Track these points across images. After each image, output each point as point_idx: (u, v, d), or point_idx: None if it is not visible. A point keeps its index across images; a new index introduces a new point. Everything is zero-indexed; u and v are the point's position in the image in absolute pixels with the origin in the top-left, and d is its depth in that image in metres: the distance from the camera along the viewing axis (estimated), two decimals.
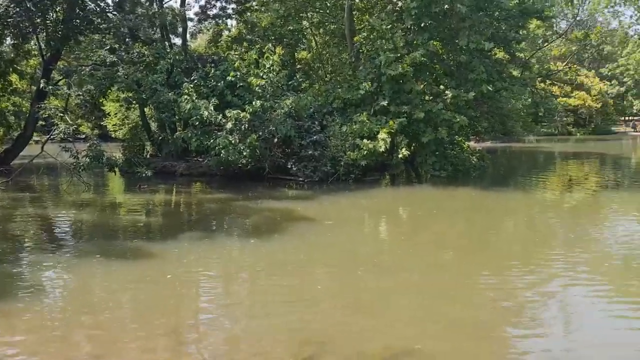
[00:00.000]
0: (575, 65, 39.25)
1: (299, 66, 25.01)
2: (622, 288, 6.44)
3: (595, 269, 7.20)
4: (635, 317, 5.49)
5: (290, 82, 18.42)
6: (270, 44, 20.30)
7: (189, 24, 24.30)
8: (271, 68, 17.16)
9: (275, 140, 16.73)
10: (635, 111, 75.82)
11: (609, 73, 62.34)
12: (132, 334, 5.26)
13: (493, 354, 4.82)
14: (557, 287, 6.37)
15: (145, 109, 21.66)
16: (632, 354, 4.66)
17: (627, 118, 75.88)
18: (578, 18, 48.54)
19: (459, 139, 18.68)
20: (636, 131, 62.73)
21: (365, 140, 15.64)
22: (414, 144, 18.02)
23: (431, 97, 17.42)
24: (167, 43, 22.41)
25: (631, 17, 64.93)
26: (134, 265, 7.55)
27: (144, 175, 15.62)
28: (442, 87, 17.48)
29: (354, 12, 21.16)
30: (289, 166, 16.88)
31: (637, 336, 5.03)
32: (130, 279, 6.96)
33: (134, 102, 20.99)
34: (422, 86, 17.19)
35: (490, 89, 16.81)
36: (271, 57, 17.42)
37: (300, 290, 6.62)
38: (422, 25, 17.39)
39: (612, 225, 10.49)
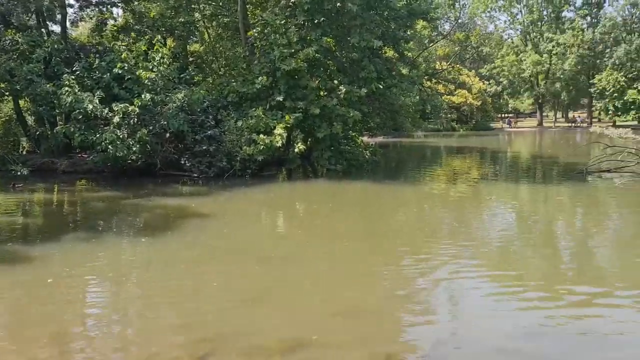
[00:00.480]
0: (457, 65, 42.05)
1: (191, 59, 24.24)
2: (501, 273, 6.99)
3: (478, 256, 7.75)
4: (514, 299, 5.97)
5: (182, 76, 17.82)
6: (160, 36, 19.49)
7: (69, 10, 22.58)
8: (161, 60, 16.48)
9: (167, 135, 16.13)
10: (510, 109, 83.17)
11: (487, 73, 67.66)
12: (7, 346, 4.78)
13: (388, 342, 5.00)
14: (446, 274, 6.76)
15: (20, 101, 19.81)
16: (510, 334, 5.07)
17: (503, 115, 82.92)
18: (460, 20, 52.06)
19: (353, 134, 19.25)
20: (511, 127, 68.57)
21: (261, 135, 15.57)
22: (309, 139, 18.27)
23: (326, 93, 17.76)
24: (44, 30, 20.65)
25: (505, 22, 70.89)
26: (9, 271, 6.88)
27: (19, 173, 14.29)
28: (336, 82, 17.90)
29: (247, 6, 20.93)
30: (183, 162, 16.36)
31: (517, 317, 5.47)
32: (3, 286, 6.33)
33: (6, 93, 19.13)
34: (317, 82, 17.46)
35: (380, 86, 17.52)
36: (161, 49, 16.73)
37: (194, 288, 6.43)
38: (315, 21, 17.67)
39: (492, 214, 11.38)
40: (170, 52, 17.69)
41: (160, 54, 16.48)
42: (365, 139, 25.48)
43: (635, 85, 58.73)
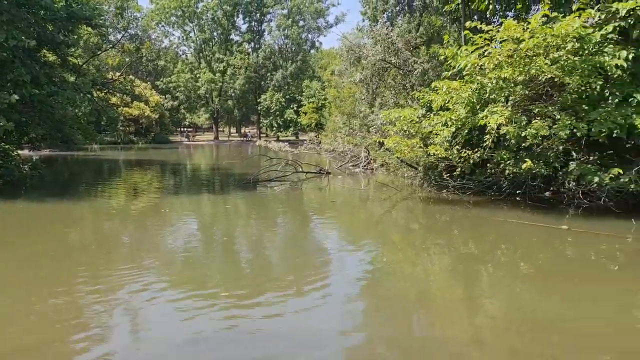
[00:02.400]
0: (131, 77, 40.93)
1: None
2: (184, 285, 6.82)
3: (162, 271, 7.41)
4: (191, 308, 5.85)
5: None
6: None
7: None
8: None
9: None
10: (188, 123, 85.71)
11: (164, 86, 68.19)
12: None
13: None
14: (125, 293, 6.23)
15: None
16: (182, 342, 4.92)
17: (181, 129, 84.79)
18: (132, 32, 50.86)
19: (6, 146, 16.43)
20: (189, 140, 70.69)
21: None
22: None
23: None
24: None
25: (179, 38, 72.79)
26: None
27: None
28: None
29: None
30: None
31: (191, 324, 5.35)
32: None
33: None
34: None
35: (37, 92, 15.41)
36: None
37: None
38: None
39: (173, 227, 11.20)
40: None
41: None
42: (25, 152, 22.13)
43: (291, 106, 68.31)
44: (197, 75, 69.93)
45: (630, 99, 10.90)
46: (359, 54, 21.98)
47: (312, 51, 77.48)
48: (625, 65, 10.66)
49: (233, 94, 70.39)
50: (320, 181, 19.57)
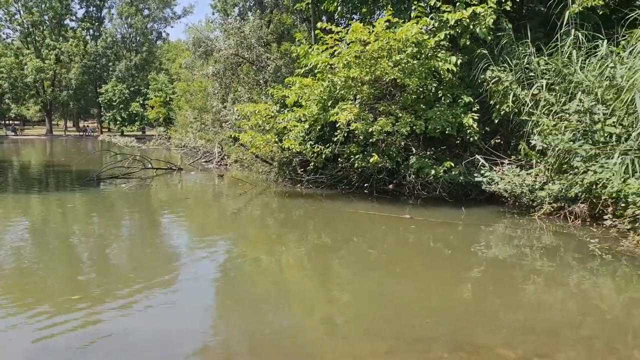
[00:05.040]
0: None
1: None
2: (18, 294, 6.04)
3: None
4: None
5: None
6: None
7: None
8: None
9: None
10: (14, 115, 76.11)
11: None
12: None
13: None
14: None
15: None
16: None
17: (6, 121, 75.16)
18: None
19: None
20: (17, 135, 63.10)
21: None
22: None
23: None
24: None
25: (1, 19, 64.22)
26: None
27: None
28: None
29: None
30: None
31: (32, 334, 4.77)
32: None
33: None
34: None
35: None
36: None
37: None
38: None
39: (1, 232, 9.87)
40: None
41: None
42: None
43: (137, 99, 64.48)
44: (24, 62, 62.36)
45: (459, 100, 12.24)
46: (210, 47, 21.50)
47: (159, 42, 73.96)
48: (454, 69, 11.94)
49: (68, 85, 64.26)
50: (172, 178, 18.81)
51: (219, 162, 22.63)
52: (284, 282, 7.06)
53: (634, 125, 8.24)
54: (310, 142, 13.41)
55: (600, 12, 11.26)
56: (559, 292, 6.65)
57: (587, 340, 4.93)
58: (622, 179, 8.18)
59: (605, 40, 10.53)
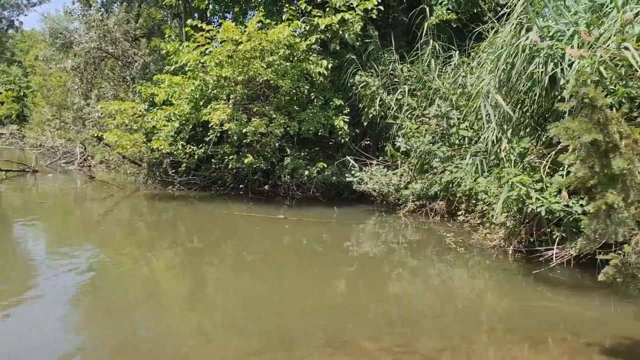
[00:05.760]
0: None
1: None
2: None
3: None
4: None
5: None
6: None
7: None
8: None
9: None
10: None
11: None
12: None
13: None
14: None
15: None
16: None
17: None
18: None
19: None
20: None
21: None
22: None
23: None
24: None
25: None
26: None
27: None
28: None
29: None
30: None
31: None
32: None
33: None
34: None
35: None
36: None
37: None
38: None
39: None
40: None
41: None
42: None
43: None
44: None
45: (330, 103, 12.63)
46: (69, 39, 19.83)
47: (10, 31, 66.57)
48: (325, 73, 12.29)
49: None
50: (25, 181, 17.05)
51: (81, 163, 20.95)
52: (155, 288, 6.72)
53: (482, 129, 9.11)
54: (182, 142, 12.97)
55: (454, 26, 12.30)
56: (420, 284, 7.15)
57: (443, 328, 5.34)
58: (473, 178, 9.00)
59: (458, 52, 11.56)
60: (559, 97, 6.86)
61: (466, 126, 10.36)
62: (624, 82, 5.94)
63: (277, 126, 12.00)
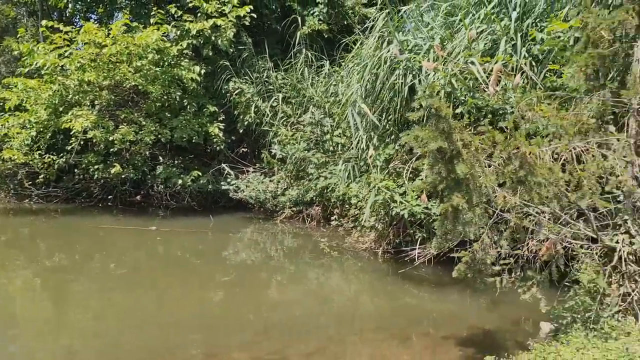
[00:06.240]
0: None
1: None
2: None
3: None
4: None
5: None
6: None
7: None
8: None
9: None
10: None
11: None
12: None
13: None
14: None
15: None
16: None
17: None
18: None
19: None
20: None
21: None
22: None
23: None
24: None
25: None
26: None
27: None
28: None
29: None
30: None
31: None
32: None
33: None
34: None
35: None
36: None
37: None
38: None
39: None
40: None
41: None
42: None
43: None
44: None
45: (204, 109, 12.35)
46: None
47: None
48: (198, 79, 12.02)
49: None
50: None
51: None
52: (10, 310, 6.03)
53: (354, 136, 9.50)
54: (40, 151, 11.88)
55: (326, 36, 12.69)
56: (297, 290, 7.24)
57: (317, 331, 5.45)
58: (346, 184, 9.34)
59: (329, 61, 11.96)
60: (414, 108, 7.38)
61: (339, 133, 10.73)
62: (472, 93, 6.55)
63: (147, 134, 11.47)
